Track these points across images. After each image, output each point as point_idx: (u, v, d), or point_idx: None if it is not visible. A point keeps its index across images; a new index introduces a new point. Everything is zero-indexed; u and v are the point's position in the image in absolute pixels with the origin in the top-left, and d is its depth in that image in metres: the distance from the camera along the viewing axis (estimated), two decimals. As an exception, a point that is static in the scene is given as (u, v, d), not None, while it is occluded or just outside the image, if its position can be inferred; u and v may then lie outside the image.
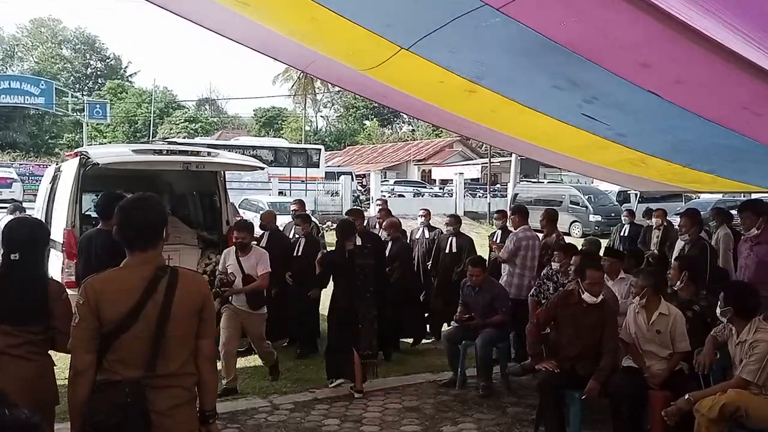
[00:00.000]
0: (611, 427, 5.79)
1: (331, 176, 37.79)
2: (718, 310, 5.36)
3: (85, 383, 2.99)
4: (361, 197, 35.66)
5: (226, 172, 10.38)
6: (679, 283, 6.36)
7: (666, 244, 10.81)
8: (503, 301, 7.70)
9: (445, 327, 9.51)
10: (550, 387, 5.92)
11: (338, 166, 48.82)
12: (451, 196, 37.64)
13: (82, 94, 62.48)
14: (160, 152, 8.76)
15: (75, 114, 49.60)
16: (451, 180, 41.38)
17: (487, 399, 7.18)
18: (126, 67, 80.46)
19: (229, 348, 7.28)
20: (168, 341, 3.03)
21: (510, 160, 36.50)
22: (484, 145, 45.11)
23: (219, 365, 5.79)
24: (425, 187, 46.45)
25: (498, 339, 7.51)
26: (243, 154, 18.36)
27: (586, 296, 5.90)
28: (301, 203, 11.03)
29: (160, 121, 65.03)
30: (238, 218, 11.32)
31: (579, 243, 10.57)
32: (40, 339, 3.79)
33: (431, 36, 4.35)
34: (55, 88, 45.20)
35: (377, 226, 9.92)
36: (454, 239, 9.75)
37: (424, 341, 9.87)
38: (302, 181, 35.00)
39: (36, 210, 10.68)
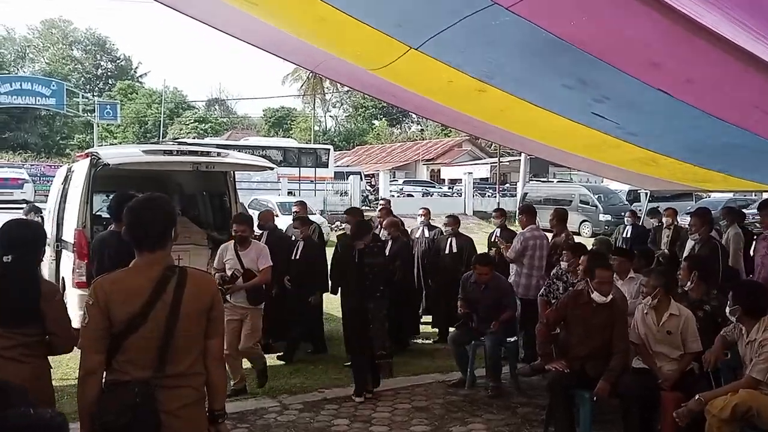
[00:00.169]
0: (622, 428, 5.76)
1: (340, 176, 37.89)
2: (727, 310, 5.33)
3: (94, 383, 2.99)
4: (370, 197, 35.69)
5: (235, 173, 10.37)
6: (689, 283, 6.30)
7: (677, 243, 10.72)
8: (510, 298, 7.68)
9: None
10: (560, 387, 5.88)
11: (347, 166, 48.76)
12: (460, 196, 37.63)
13: (93, 95, 62.39)
14: (170, 153, 8.78)
15: (86, 115, 49.49)
16: (461, 179, 41.31)
17: (496, 399, 7.15)
18: (136, 67, 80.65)
19: (232, 351, 7.09)
20: (177, 341, 3.03)
21: (519, 160, 36.46)
22: (494, 145, 45.00)
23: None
24: (434, 187, 46.39)
25: (505, 336, 7.50)
26: (252, 154, 18.41)
27: (595, 296, 5.85)
28: (302, 204, 10.66)
29: (170, 122, 65.14)
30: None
31: (589, 243, 10.50)
32: (35, 341, 3.76)
33: (440, 35, 4.36)
34: (66, 89, 45.07)
35: (378, 225, 9.89)
36: (454, 239, 9.69)
37: (427, 341, 9.88)
38: (311, 181, 35.05)
39: (48, 211, 10.72)
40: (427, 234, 10.24)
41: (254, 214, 9.85)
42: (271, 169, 10.53)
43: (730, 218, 9.81)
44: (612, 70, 4.27)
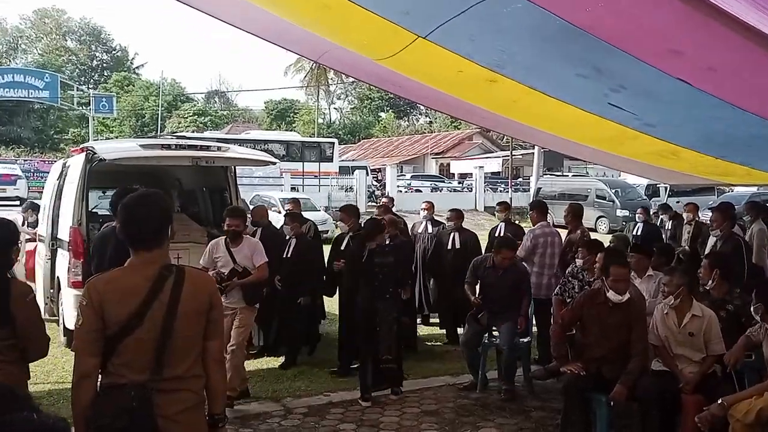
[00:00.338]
0: (641, 433, 5.58)
1: (345, 171, 37.48)
2: (752, 309, 5.19)
3: (89, 387, 2.93)
4: (377, 192, 35.43)
5: (236, 168, 10.20)
6: (710, 282, 6.10)
7: (698, 240, 10.51)
8: (527, 283, 7.59)
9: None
10: (576, 390, 5.72)
11: (353, 160, 48.48)
12: (471, 191, 37.38)
13: (88, 87, 62.16)
14: (168, 147, 8.70)
15: (81, 108, 49.40)
16: (471, 174, 41.01)
17: (509, 403, 6.97)
18: (133, 58, 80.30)
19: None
20: (174, 343, 2.96)
21: (533, 153, 35.85)
22: (506, 137, 44.46)
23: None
24: (443, 182, 46.02)
25: (519, 337, 7.34)
26: (254, 148, 18.33)
27: (611, 294, 5.68)
28: (296, 202, 10.38)
29: (168, 115, 65.01)
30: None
31: (605, 239, 10.26)
32: (6, 345, 3.60)
33: (450, 23, 4.26)
34: (60, 81, 45.01)
35: None
36: (457, 235, 9.49)
37: (437, 343, 9.66)
38: (315, 176, 34.92)
39: (43, 207, 10.63)
40: (430, 230, 9.98)
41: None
42: (274, 163, 10.42)
43: (754, 213, 9.57)
44: (629, 57, 4.14)
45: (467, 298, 7.62)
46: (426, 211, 10.22)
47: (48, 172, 12.69)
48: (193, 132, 47.34)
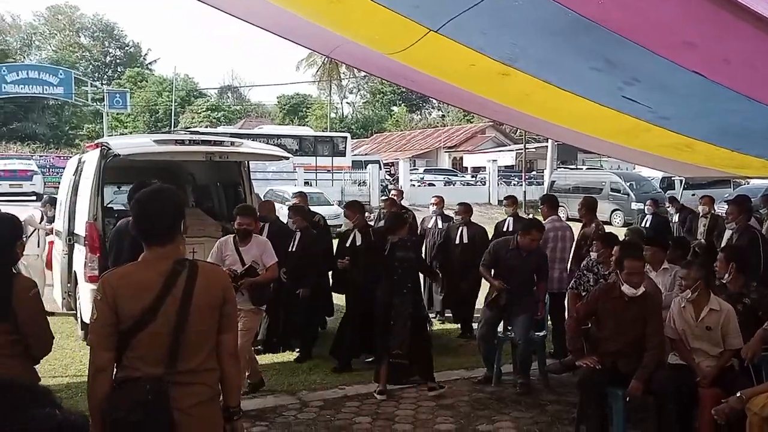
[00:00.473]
0: (657, 427, 5.52)
1: (358, 165, 37.54)
2: None
3: (104, 380, 2.95)
4: (390, 186, 35.35)
5: (250, 162, 10.26)
6: (726, 275, 6.02)
7: (714, 233, 10.44)
8: (546, 265, 7.53)
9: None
10: (591, 384, 5.67)
11: (365, 154, 48.28)
12: (484, 185, 37.23)
13: (102, 83, 62.42)
14: (182, 142, 8.70)
15: (95, 104, 49.31)
16: (484, 167, 40.76)
17: (524, 396, 6.94)
18: (146, 54, 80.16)
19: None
20: (188, 337, 2.98)
21: (546, 146, 35.42)
22: (519, 131, 44.23)
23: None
24: (456, 176, 45.76)
25: (534, 330, 7.30)
26: (267, 143, 18.29)
27: (625, 288, 5.62)
28: (302, 196, 10.27)
29: (181, 110, 65.03)
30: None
31: (620, 233, 10.19)
32: (9, 340, 3.55)
33: (461, 16, 4.24)
34: (74, 77, 45.04)
35: (377, 218, 9.64)
36: (465, 229, 9.44)
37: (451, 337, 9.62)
38: (328, 170, 34.91)
39: (60, 203, 10.71)
40: (440, 225, 9.93)
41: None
42: (287, 158, 10.41)
43: (771, 206, 9.51)
44: (642, 50, 4.12)
45: (486, 279, 7.48)
46: (435, 206, 10.17)
47: (63, 168, 12.78)
48: (206, 127, 47.34)
